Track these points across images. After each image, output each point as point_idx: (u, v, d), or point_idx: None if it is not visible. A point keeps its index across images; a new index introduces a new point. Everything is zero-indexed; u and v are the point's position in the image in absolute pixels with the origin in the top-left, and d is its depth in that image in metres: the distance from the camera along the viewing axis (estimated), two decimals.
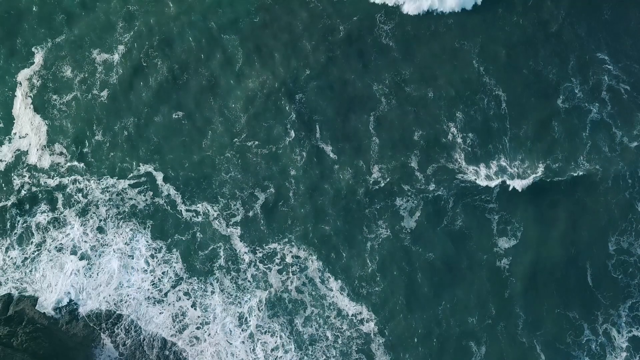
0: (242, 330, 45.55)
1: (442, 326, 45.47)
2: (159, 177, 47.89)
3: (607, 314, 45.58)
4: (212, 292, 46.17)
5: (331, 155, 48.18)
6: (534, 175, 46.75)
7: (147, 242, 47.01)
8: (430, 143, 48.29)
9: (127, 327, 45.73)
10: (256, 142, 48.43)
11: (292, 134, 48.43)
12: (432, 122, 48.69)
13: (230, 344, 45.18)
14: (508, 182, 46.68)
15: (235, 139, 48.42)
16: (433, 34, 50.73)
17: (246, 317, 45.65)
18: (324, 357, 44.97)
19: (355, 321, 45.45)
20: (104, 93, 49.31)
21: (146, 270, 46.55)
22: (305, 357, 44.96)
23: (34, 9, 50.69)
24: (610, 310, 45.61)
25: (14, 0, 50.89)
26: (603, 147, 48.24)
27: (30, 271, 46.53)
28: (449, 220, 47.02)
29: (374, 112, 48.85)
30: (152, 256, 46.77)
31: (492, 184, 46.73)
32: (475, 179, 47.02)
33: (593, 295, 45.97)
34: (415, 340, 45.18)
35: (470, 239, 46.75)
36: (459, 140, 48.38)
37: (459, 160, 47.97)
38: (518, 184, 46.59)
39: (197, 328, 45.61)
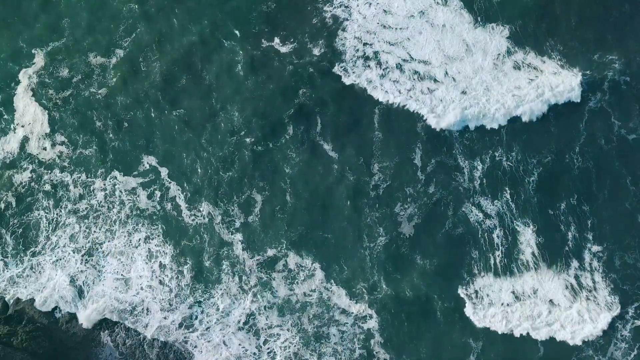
0: (249, 328, 45.55)
1: (441, 322, 45.27)
2: (163, 172, 48.11)
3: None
4: (220, 294, 46.16)
5: (331, 154, 48.09)
6: None
7: (151, 242, 47.03)
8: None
9: (127, 327, 45.72)
10: (254, 140, 48.46)
11: (291, 131, 48.38)
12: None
13: (240, 337, 45.31)
14: None
15: (234, 137, 48.48)
16: None
17: (254, 316, 45.66)
18: (330, 352, 44.99)
19: (357, 320, 45.31)
20: (103, 90, 49.64)
21: (150, 273, 46.61)
22: (312, 352, 45.02)
23: (36, 11, 51.33)
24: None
25: (16, 2, 51.63)
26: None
27: (32, 269, 46.64)
28: (448, 223, 46.83)
29: (376, 109, 48.79)
30: (154, 257, 46.81)
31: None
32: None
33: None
34: (415, 338, 45.05)
35: (469, 237, 46.52)
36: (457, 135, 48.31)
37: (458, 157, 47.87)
38: None
39: (207, 329, 45.66)
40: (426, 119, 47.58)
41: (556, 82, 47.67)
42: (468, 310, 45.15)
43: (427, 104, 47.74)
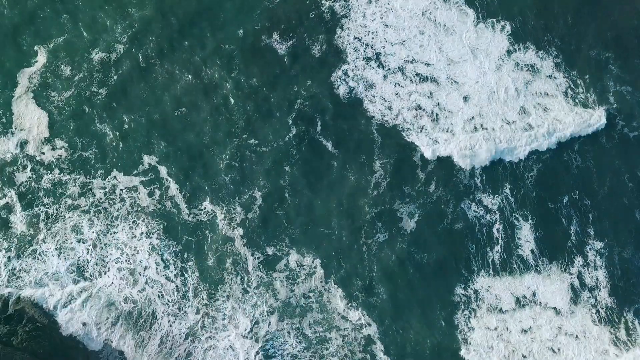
0: (252, 334, 45.37)
1: (440, 327, 45.45)
2: (163, 171, 47.99)
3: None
4: (223, 298, 45.97)
5: (331, 150, 48.32)
6: None
7: (152, 237, 46.86)
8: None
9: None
10: (256, 141, 48.63)
11: (291, 130, 48.63)
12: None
13: (244, 340, 45.07)
14: None
15: (235, 139, 48.63)
16: None
17: (256, 321, 45.49)
18: (332, 353, 44.85)
19: (357, 325, 45.36)
20: (103, 91, 49.55)
21: (155, 265, 46.37)
22: (313, 354, 44.89)
23: (37, 9, 51.38)
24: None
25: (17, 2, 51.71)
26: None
27: (34, 259, 46.28)
28: (448, 222, 47.10)
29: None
30: (156, 250, 46.60)
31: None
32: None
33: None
34: (415, 341, 45.18)
35: (469, 234, 46.84)
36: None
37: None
38: None
39: (210, 336, 45.39)
40: (425, 148, 47.99)
41: (582, 117, 47.87)
42: (465, 317, 45.47)
43: (425, 133, 47.93)
